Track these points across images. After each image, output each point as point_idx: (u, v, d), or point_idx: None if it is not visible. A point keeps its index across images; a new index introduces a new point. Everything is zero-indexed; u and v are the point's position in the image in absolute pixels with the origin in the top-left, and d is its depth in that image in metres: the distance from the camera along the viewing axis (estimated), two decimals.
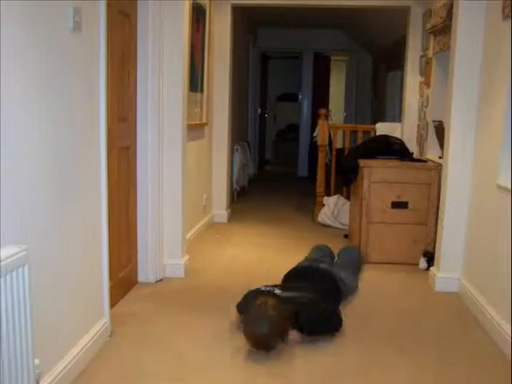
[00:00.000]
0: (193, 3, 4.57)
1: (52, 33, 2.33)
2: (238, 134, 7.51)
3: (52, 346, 2.42)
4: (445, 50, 4.58)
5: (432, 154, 5.06)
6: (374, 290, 4.08)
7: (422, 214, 4.61)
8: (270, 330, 2.86)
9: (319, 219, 6.14)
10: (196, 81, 4.97)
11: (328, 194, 6.31)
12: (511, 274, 3.00)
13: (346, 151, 6.02)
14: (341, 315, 3.23)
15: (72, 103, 2.55)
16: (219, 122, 6.03)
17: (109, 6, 2.94)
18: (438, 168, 4.45)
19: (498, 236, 3.27)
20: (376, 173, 4.64)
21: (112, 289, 3.16)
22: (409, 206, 4.62)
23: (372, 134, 6.12)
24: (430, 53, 5.21)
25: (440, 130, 4.77)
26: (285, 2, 5.82)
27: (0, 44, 1.92)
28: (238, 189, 7.47)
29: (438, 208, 4.28)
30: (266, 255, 4.90)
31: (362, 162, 4.77)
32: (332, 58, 10.86)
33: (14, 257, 1.88)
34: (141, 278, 3.98)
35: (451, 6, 4.10)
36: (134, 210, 3.86)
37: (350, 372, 2.81)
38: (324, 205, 6.16)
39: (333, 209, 6.08)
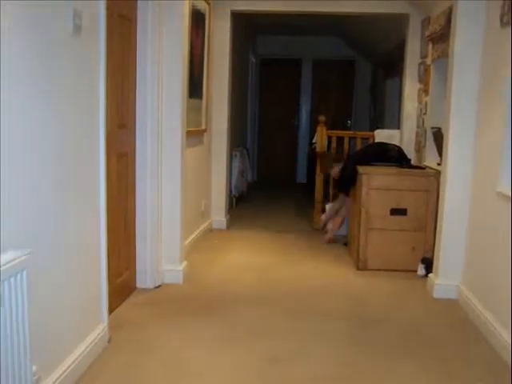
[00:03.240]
0: (192, 9, 4.58)
1: (51, 35, 2.32)
2: (236, 141, 7.52)
3: (50, 352, 2.40)
4: (443, 57, 4.59)
5: (430, 160, 5.07)
6: (373, 296, 4.07)
7: (421, 221, 4.62)
8: None
9: (321, 224, 6.15)
10: (195, 87, 4.97)
11: (326, 201, 6.30)
12: (511, 280, 3.00)
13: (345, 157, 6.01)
14: None
15: (71, 108, 2.54)
16: (218, 129, 6.04)
17: (109, 9, 2.93)
18: (437, 175, 4.46)
19: (498, 243, 3.26)
20: (375, 180, 4.64)
21: (110, 294, 3.15)
22: (408, 212, 4.62)
23: (371, 141, 6.12)
24: (429, 60, 5.22)
25: (438, 137, 4.78)
26: (284, 9, 5.84)
27: None
28: (237, 195, 7.46)
29: (436, 214, 4.28)
30: (265, 261, 4.89)
31: (360, 169, 4.77)
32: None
33: (13, 262, 1.88)
34: (139, 283, 3.97)
35: (450, 13, 4.12)
36: (132, 215, 3.85)
37: (349, 378, 2.80)
38: (324, 211, 6.15)
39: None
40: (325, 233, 5.81)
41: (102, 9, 2.80)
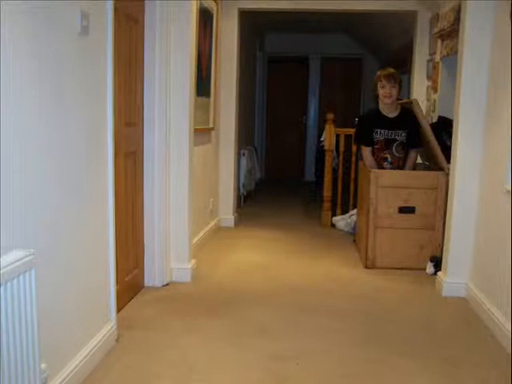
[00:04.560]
0: (200, 7, 4.58)
1: (59, 37, 2.33)
2: (244, 139, 7.52)
3: (59, 351, 2.41)
4: (452, 54, 4.57)
5: None
6: (382, 295, 4.06)
7: (430, 219, 4.59)
8: None
9: (333, 220, 6.20)
10: (203, 85, 4.97)
11: (335, 198, 6.29)
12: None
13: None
14: None
15: (79, 108, 2.55)
16: (226, 127, 6.04)
17: (116, 10, 2.94)
18: (445, 172, 4.44)
19: (506, 241, 3.24)
20: (383, 178, 4.63)
21: (119, 293, 3.16)
22: (416, 210, 4.61)
23: None
24: (438, 57, 5.20)
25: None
26: (291, 7, 5.82)
27: (3, 47, 1.92)
28: (245, 193, 7.47)
29: (445, 213, 4.26)
30: (273, 259, 4.89)
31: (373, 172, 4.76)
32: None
33: (21, 261, 1.88)
34: (147, 282, 3.98)
35: (459, 10, 4.09)
36: (140, 214, 3.86)
37: (358, 376, 2.79)
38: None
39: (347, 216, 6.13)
40: None
41: (109, 9, 2.80)
